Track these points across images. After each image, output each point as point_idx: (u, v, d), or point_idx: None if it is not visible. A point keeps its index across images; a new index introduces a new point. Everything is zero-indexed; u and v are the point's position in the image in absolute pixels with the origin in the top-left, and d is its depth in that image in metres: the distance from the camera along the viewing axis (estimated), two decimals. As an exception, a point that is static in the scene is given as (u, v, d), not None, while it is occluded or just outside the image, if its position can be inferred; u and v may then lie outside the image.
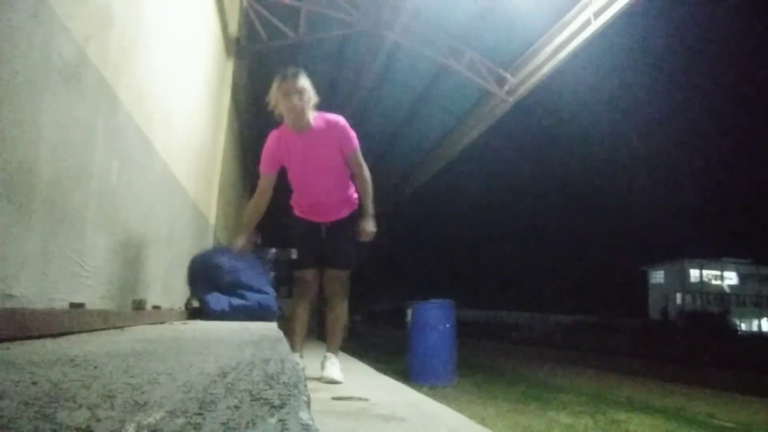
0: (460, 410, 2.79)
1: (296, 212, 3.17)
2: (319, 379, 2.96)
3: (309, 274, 3.11)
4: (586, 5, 6.26)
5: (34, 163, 1.46)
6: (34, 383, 0.73)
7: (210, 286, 3.32)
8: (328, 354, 3.11)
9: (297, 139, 2.95)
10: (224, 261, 3.38)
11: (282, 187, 3.20)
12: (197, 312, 4.40)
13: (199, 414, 0.58)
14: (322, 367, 3.05)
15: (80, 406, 0.59)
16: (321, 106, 3.00)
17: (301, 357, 3.03)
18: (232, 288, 3.32)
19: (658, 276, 57.96)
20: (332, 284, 3.12)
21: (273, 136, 3.02)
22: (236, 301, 3.28)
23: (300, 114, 2.85)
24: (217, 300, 3.26)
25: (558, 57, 6.83)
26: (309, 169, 3.00)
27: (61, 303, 1.67)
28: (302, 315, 3.17)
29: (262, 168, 3.06)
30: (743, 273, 56.05)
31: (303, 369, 0.97)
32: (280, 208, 3.29)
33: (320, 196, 3.07)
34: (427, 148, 10.49)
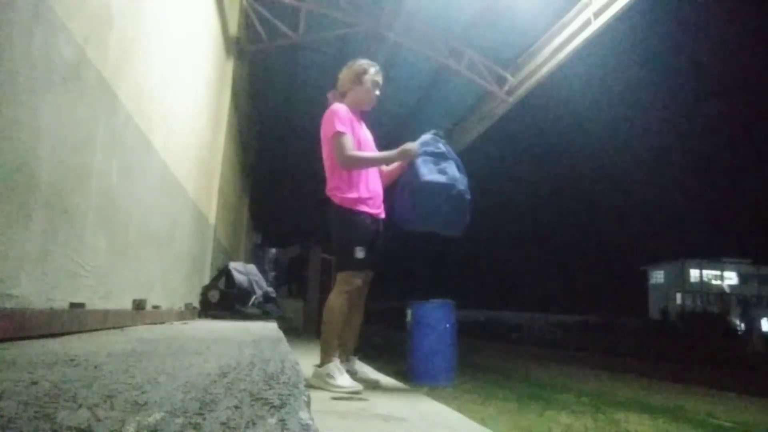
0: (460, 410, 2.79)
1: (361, 207, 2.89)
2: (369, 383, 2.90)
3: (365, 276, 2.94)
4: (586, 5, 6.26)
5: (34, 163, 1.46)
6: (34, 383, 0.73)
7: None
8: (354, 357, 3.09)
9: (358, 120, 3.03)
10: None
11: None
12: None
13: (199, 414, 0.58)
14: (357, 371, 2.99)
15: (80, 406, 0.59)
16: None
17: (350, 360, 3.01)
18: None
19: (658, 276, 57.94)
20: (367, 286, 3.02)
21: (340, 106, 2.96)
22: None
23: (373, 106, 3.11)
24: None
25: (558, 57, 6.82)
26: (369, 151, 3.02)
27: (61, 303, 1.67)
28: (345, 320, 2.93)
29: (343, 127, 2.86)
30: (743, 273, 56.04)
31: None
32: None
33: (378, 184, 3.02)
34: (427, 148, 10.48)
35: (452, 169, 3.02)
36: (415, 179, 2.94)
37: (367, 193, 2.93)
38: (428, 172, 2.94)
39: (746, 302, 12.94)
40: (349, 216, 2.86)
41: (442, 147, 3.13)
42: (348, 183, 2.89)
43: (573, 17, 6.48)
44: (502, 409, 4.11)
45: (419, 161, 2.99)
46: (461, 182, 3.01)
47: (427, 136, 3.15)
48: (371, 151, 3.01)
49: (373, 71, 3.07)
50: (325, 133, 2.93)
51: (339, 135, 2.84)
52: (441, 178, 2.95)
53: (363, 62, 3.11)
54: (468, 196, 3.03)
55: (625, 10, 5.83)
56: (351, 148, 2.85)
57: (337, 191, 2.89)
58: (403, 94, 8.55)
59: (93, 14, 1.80)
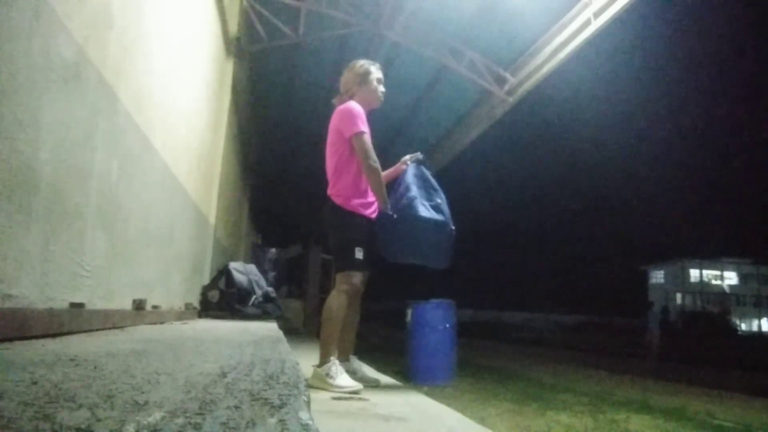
0: (460, 410, 2.79)
1: (362, 211, 2.92)
2: (368, 382, 2.92)
3: (364, 276, 2.96)
4: (586, 5, 6.26)
5: (34, 163, 1.46)
6: (34, 383, 0.73)
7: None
8: (353, 357, 3.09)
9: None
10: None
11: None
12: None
13: (199, 414, 0.58)
14: (356, 371, 3.01)
15: (80, 406, 0.59)
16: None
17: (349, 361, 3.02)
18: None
19: (658, 276, 57.98)
20: (364, 287, 3.04)
21: (358, 105, 2.94)
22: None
23: (379, 105, 3.10)
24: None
25: (558, 57, 6.82)
26: None
27: (61, 303, 1.67)
28: (344, 320, 2.94)
29: (366, 127, 2.87)
30: (743, 273, 56.05)
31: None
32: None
33: None
34: (427, 148, 10.49)
35: (444, 206, 3.05)
36: (411, 215, 2.93)
37: (369, 198, 2.95)
38: (424, 209, 2.96)
39: (653, 304, 15.45)
40: (350, 218, 2.88)
41: (430, 177, 3.15)
42: (355, 187, 2.90)
43: (573, 17, 6.47)
44: (502, 409, 4.11)
45: (415, 197, 2.98)
46: (450, 218, 3.05)
47: (411, 167, 3.16)
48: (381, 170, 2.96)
49: (375, 69, 3.09)
50: (341, 131, 2.88)
51: (363, 134, 2.85)
52: (438, 217, 2.98)
53: (363, 62, 3.11)
54: (453, 227, 3.05)
55: (625, 10, 5.83)
56: (373, 151, 2.87)
57: (342, 193, 2.90)
58: (403, 94, 8.55)
59: (93, 14, 1.80)
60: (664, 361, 11.73)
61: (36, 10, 1.41)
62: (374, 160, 2.85)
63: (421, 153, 3.26)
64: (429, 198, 3.04)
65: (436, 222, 2.95)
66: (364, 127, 2.86)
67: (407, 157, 3.23)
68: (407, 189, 3.03)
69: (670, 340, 15.25)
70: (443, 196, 3.12)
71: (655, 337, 13.37)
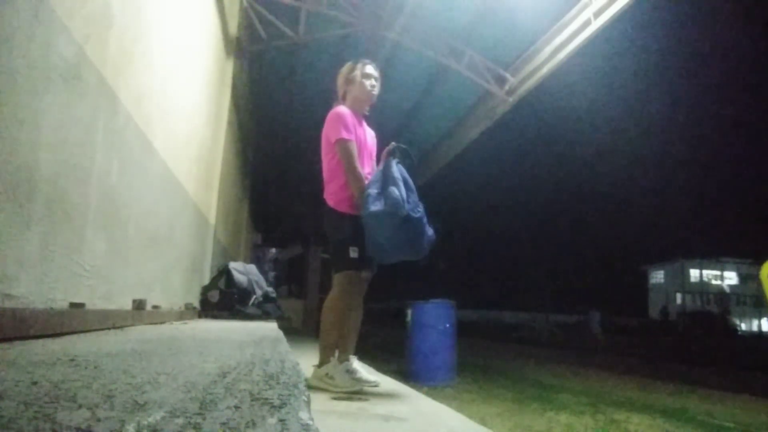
0: (460, 410, 2.79)
1: (353, 210, 2.90)
2: (368, 383, 2.91)
3: (363, 276, 2.94)
4: (586, 5, 6.26)
5: (34, 163, 1.46)
6: (34, 383, 0.73)
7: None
8: (353, 357, 3.09)
9: (359, 123, 2.99)
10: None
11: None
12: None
13: (199, 414, 0.58)
14: (356, 371, 3.00)
15: (80, 406, 0.59)
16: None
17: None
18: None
19: (658, 276, 57.96)
20: (366, 286, 3.04)
21: (345, 109, 2.91)
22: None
23: (373, 98, 3.04)
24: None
25: (558, 57, 6.82)
26: (365, 157, 2.97)
27: (61, 303, 1.67)
28: (344, 319, 2.93)
29: (347, 134, 2.84)
30: (743, 273, 56.03)
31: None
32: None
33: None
34: (427, 148, 10.50)
35: (396, 192, 2.79)
36: (363, 216, 2.82)
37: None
38: (375, 205, 2.78)
39: (594, 310, 18.72)
40: (343, 219, 2.89)
41: (393, 167, 2.91)
42: (347, 189, 2.90)
43: (573, 17, 6.48)
44: (502, 409, 4.11)
45: (368, 195, 2.82)
46: (409, 202, 2.80)
47: (380, 167, 2.97)
48: (363, 176, 2.90)
49: (359, 65, 3.06)
50: (328, 136, 2.91)
51: (345, 142, 2.84)
52: (379, 207, 2.77)
53: (349, 63, 3.12)
54: (416, 215, 2.80)
55: (625, 10, 5.83)
56: (357, 158, 2.85)
57: (334, 196, 2.91)
58: (403, 94, 8.56)
59: (93, 14, 1.80)
60: (609, 355, 13.78)
61: (36, 10, 1.41)
62: (355, 167, 2.83)
63: (395, 143, 3.04)
64: (382, 189, 2.85)
65: (379, 213, 2.76)
66: (346, 133, 2.83)
67: (384, 151, 3.05)
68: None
69: (610, 337, 18.75)
70: (401, 184, 2.86)
71: (598, 334, 15.47)
